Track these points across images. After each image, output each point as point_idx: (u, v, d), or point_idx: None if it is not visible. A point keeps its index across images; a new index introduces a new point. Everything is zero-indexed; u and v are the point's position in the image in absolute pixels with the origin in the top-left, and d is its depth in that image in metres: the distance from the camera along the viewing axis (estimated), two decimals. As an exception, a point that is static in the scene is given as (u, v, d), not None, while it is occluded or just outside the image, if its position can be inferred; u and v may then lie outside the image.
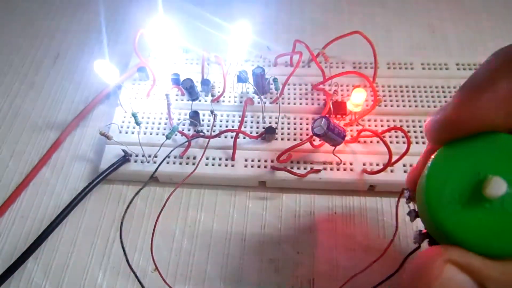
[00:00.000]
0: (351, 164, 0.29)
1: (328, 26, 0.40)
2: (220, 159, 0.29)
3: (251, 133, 0.30)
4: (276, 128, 0.30)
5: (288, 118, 0.31)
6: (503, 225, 0.13)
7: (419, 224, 0.16)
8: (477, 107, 0.14)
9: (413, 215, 0.17)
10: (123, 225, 0.28)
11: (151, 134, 0.31)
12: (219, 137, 0.29)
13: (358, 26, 0.32)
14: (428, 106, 0.31)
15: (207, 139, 0.29)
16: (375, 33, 0.33)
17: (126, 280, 0.26)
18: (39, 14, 0.42)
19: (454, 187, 0.14)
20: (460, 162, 0.14)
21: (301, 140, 0.29)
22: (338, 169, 0.29)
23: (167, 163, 0.29)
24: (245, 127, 0.31)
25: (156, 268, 0.26)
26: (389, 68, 0.34)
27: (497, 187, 0.13)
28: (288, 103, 0.32)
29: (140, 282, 0.25)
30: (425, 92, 0.32)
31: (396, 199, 0.21)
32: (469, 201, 0.14)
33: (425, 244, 0.16)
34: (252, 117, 0.31)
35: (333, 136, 0.26)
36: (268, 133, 0.29)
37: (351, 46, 0.33)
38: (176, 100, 0.33)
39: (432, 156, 0.15)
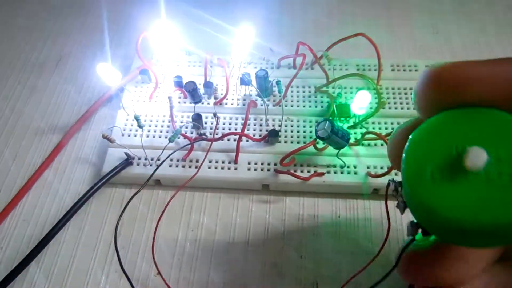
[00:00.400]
0: (355, 167, 0.28)
1: (331, 28, 0.39)
2: (223, 162, 0.29)
3: (254, 136, 0.30)
4: (280, 131, 0.30)
5: (292, 121, 0.31)
6: (489, 194, 0.13)
7: (410, 217, 0.16)
8: (474, 70, 0.14)
9: (402, 206, 0.17)
10: (125, 229, 0.28)
11: (153, 137, 0.31)
12: (222, 140, 0.29)
13: (362, 28, 0.32)
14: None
15: (210, 142, 0.29)
16: (378, 35, 0.32)
17: (129, 285, 0.26)
18: (41, 17, 0.42)
19: (435, 163, 0.13)
20: (440, 137, 0.14)
21: (304, 143, 0.29)
22: (342, 172, 0.28)
23: (170, 166, 0.29)
24: (248, 130, 0.31)
25: (159, 272, 0.26)
26: (393, 70, 0.33)
27: (477, 157, 0.13)
28: (292, 106, 0.32)
29: (132, 285, 0.25)
30: (430, 94, 0.32)
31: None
32: (451, 176, 0.13)
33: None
34: (255, 119, 0.31)
35: (337, 139, 0.26)
36: (271, 136, 0.29)
37: (354, 48, 0.33)
38: (179, 102, 0.32)
39: (412, 134, 0.15)
